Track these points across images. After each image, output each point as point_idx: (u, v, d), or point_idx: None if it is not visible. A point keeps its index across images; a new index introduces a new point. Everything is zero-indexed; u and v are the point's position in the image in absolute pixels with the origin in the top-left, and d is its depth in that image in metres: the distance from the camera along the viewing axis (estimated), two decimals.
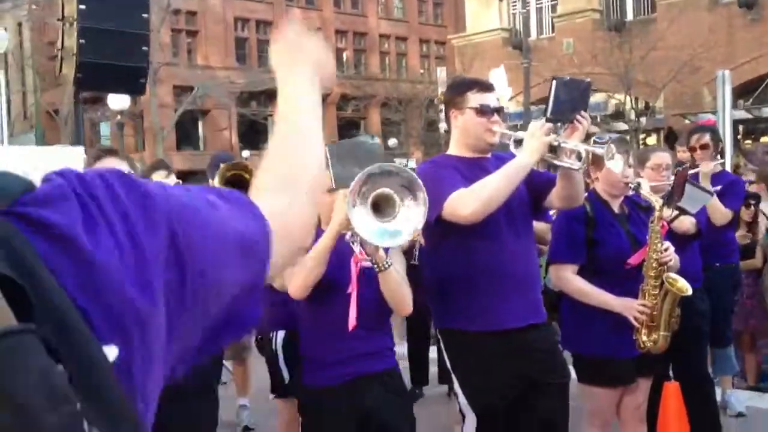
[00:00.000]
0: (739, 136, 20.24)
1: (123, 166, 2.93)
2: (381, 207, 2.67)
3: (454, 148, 3.30)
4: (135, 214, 0.71)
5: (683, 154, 5.91)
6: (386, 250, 2.90)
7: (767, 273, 5.89)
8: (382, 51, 37.14)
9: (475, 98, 3.19)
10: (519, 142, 3.11)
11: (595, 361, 3.48)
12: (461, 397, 3.21)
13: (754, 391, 5.81)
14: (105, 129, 30.78)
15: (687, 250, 4.09)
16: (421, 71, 37.24)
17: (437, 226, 3.08)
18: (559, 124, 3.05)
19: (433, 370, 6.11)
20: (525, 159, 3.01)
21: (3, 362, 0.54)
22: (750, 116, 22.45)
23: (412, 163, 23.80)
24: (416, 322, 6.03)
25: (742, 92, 20.02)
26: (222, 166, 5.32)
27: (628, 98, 24.37)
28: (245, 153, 26.90)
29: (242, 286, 0.83)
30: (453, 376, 3.25)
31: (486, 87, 3.27)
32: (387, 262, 2.88)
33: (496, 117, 3.19)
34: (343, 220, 2.79)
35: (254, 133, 32.08)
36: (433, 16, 39.26)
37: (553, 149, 3.04)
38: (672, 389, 3.72)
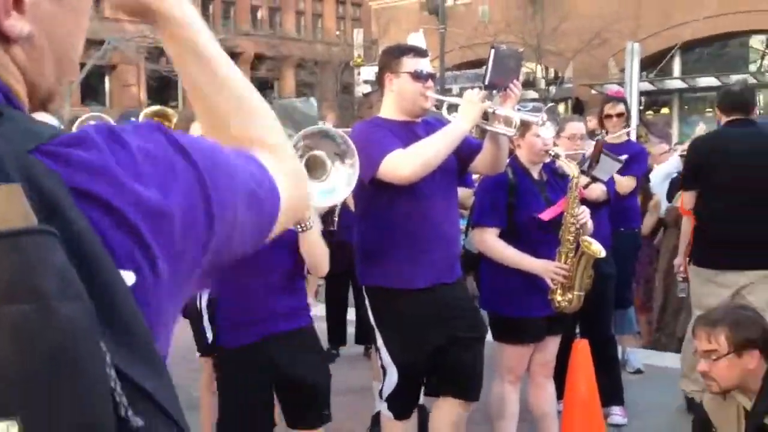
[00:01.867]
0: (641, 107, 21.02)
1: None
2: (313, 168, 2.74)
3: (388, 111, 3.37)
4: (165, 160, 0.76)
5: (591, 123, 6.16)
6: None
7: (665, 239, 6.23)
8: (297, 11, 36.57)
9: (410, 63, 3.27)
10: (452, 108, 3.22)
11: (510, 320, 3.67)
12: (384, 352, 3.33)
13: (649, 349, 6.17)
14: None
15: (597, 216, 4.29)
16: (337, 33, 36.92)
17: (371, 187, 3.18)
18: (494, 91, 3.18)
19: (350, 330, 6.25)
20: (462, 124, 3.15)
21: (28, 256, 0.58)
22: (653, 88, 23.31)
23: (328, 126, 23.74)
24: (334, 285, 6.13)
25: (646, 64, 20.69)
26: (147, 110, 5.29)
27: (539, 67, 24.89)
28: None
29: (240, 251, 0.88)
30: (377, 332, 3.36)
31: (421, 53, 3.35)
32: (310, 223, 2.95)
33: (430, 82, 3.29)
34: None
35: (164, 90, 31.23)
36: None
37: (487, 115, 3.17)
38: (581, 347, 3.92)
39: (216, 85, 1.01)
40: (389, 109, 3.37)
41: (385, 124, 3.32)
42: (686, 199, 4.73)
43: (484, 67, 3.20)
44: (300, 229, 2.94)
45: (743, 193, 4.34)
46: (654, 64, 22.85)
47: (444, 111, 3.34)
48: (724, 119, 4.56)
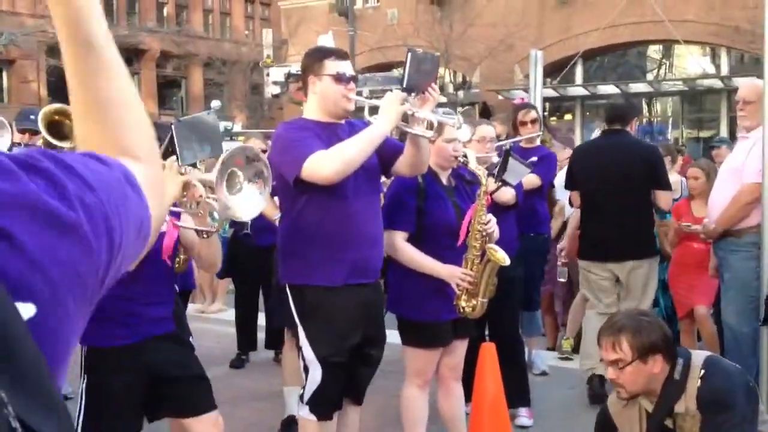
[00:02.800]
0: (545, 113, 21.59)
1: None
2: (229, 181, 2.81)
3: (311, 113, 3.39)
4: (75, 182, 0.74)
5: (498, 129, 6.28)
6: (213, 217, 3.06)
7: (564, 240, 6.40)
8: (205, 9, 35.90)
9: (332, 66, 3.31)
10: (373, 110, 3.27)
11: (418, 324, 3.69)
12: (307, 349, 3.33)
13: (551, 351, 6.32)
14: None
15: (505, 219, 4.36)
16: (246, 32, 36.48)
17: (295, 187, 3.22)
18: (412, 94, 3.22)
19: (261, 336, 6.16)
20: (382, 126, 3.20)
21: None
22: (557, 94, 24.00)
23: (238, 127, 23.41)
24: (244, 289, 6.04)
25: (550, 71, 21.26)
26: (47, 108, 5.09)
27: (447, 72, 25.24)
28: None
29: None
30: (300, 328, 3.36)
31: (342, 56, 3.40)
32: (212, 229, 3.06)
33: (352, 84, 3.33)
34: (177, 193, 2.86)
35: (64, 86, 30.06)
36: None
37: (407, 118, 3.21)
38: (488, 349, 3.96)
39: (111, 86, 0.96)
40: (313, 110, 3.39)
41: (309, 125, 3.34)
42: (573, 198, 5.51)
43: (402, 71, 3.25)
44: (205, 236, 3.03)
45: (605, 196, 5.04)
46: (557, 71, 23.52)
47: (366, 113, 3.39)
48: (604, 128, 5.34)
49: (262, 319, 6.09)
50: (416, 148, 3.33)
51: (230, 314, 6.00)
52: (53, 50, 27.88)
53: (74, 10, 0.90)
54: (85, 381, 2.98)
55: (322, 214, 3.26)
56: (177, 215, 3.04)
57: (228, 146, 3.21)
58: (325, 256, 3.29)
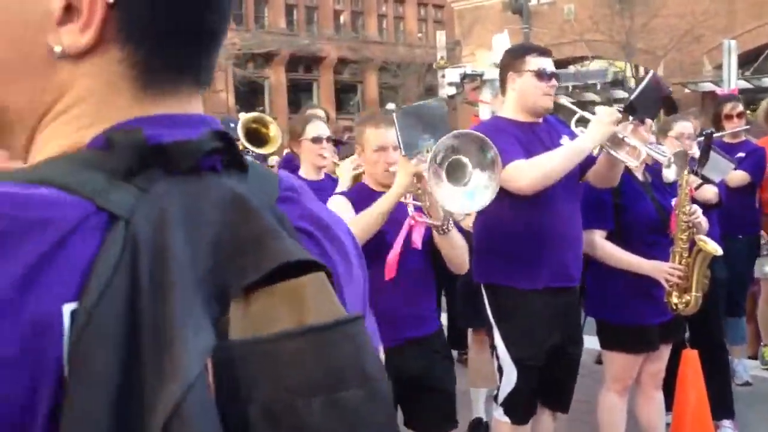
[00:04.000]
0: None
1: None
2: (453, 172, 2.67)
3: (510, 111, 3.34)
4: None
5: (694, 122, 5.92)
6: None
7: None
8: (379, 14, 36.74)
9: (533, 62, 3.25)
10: (580, 121, 3.17)
11: (621, 327, 3.54)
12: (502, 350, 3.27)
13: (753, 360, 5.87)
14: None
15: (707, 219, 4.10)
16: (419, 35, 36.92)
17: None
18: (630, 118, 3.08)
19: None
20: (587, 143, 3.10)
21: (357, 342, 0.61)
22: (750, 86, 22.41)
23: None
24: None
25: (741, 62, 19.91)
26: (246, 116, 5.42)
27: (628, 66, 24.26)
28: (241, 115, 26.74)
29: None
30: (495, 328, 3.30)
31: (544, 52, 3.33)
32: (450, 226, 2.88)
33: (553, 81, 3.25)
34: (407, 184, 2.75)
35: (251, 95, 31.85)
36: None
37: (614, 138, 3.08)
38: (690, 356, 3.76)
39: None
40: (511, 108, 3.33)
41: (507, 125, 3.27)
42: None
43: (634, 88, 3.10)
44: (441, 232, 2.87)
45: None
46: (750, 61, 21.99)
47: (572, 123, 3.29)
48: None
49: (444, 319, 6.07)
50: (611, 166, 3.22)
51: None
52: (240, 61, 29.58)
53: None
54: None
55: (523, 214, 3.18)
56: (419, 209, 2.89)
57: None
58: (524, 257, 3.21)
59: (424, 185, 2.73)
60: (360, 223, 2.75)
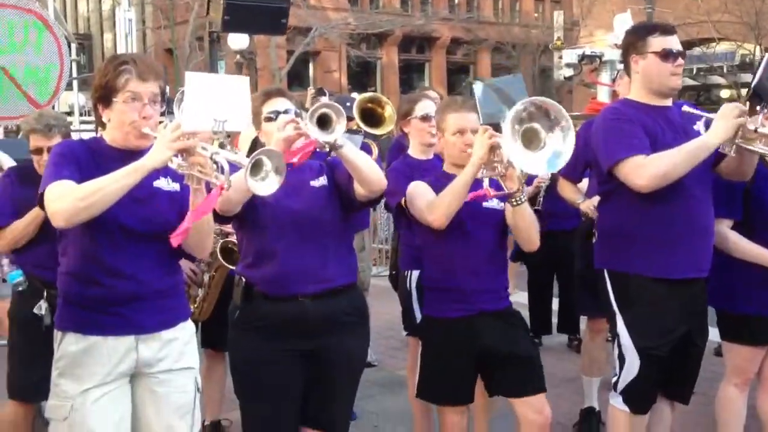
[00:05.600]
0: None
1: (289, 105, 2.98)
2: (528, 138, 2.80)
3: (636, 94, 3.22)
4: None
5: None
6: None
7: None
8: None
9: (657, 42, 3.12)
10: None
11: (743, 317, 3.39)
12: (625, 337, 3.18)
13: None
14: (221, 69, 31.40)
15: None
16: (536, 15, 36.22)
17: (610, 177, 3.10)
18: (759, 105, 2.92)
19: (553, 320, 6.07)
20: (711, 140, 2.95)
21: None
22: None
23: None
24: (537, 272, 5.97)
25: None
26: (362, 96, 5.49)
27: (758, 48, 23.04)
28: (354, 95, 27.08)
29: None
30: (618, 315, 3.21)
31: (668, 30, 3.17)
32: (523, 197, 3.01)
33: (680, 61, 3.12)
34: (484, 154, 2.92)
35: (362, 75, 32.16)
36: None
37: (744, 132, 2.92)
38: None
39: None
40: (637, 91, 3.21)
41: (635, 111, 3.15)
42: None
43: (754, 72, 2.92)
44: (514, 203, 3.01)
45: None
46: None
47: (701, 127, 3.14)
48: None
49: (555, 304, 5.99)
50: (743, 159, 3.05)
51: (522, 296, 5.95)
52: (354, 41, 29.87)
53: None
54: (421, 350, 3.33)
55: (656, 204, 3.04)
56: (494, 184, 3.02)
57: None
58: (654, 245, 3.08)
59: (501, 156, 2.89)
60: (446, 199, 2.99)
